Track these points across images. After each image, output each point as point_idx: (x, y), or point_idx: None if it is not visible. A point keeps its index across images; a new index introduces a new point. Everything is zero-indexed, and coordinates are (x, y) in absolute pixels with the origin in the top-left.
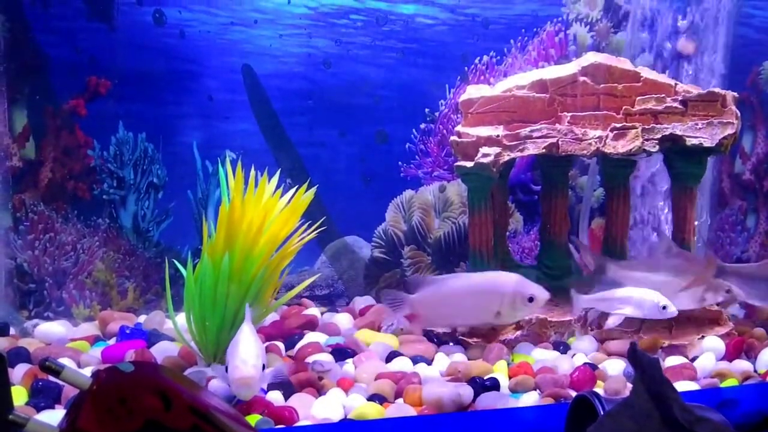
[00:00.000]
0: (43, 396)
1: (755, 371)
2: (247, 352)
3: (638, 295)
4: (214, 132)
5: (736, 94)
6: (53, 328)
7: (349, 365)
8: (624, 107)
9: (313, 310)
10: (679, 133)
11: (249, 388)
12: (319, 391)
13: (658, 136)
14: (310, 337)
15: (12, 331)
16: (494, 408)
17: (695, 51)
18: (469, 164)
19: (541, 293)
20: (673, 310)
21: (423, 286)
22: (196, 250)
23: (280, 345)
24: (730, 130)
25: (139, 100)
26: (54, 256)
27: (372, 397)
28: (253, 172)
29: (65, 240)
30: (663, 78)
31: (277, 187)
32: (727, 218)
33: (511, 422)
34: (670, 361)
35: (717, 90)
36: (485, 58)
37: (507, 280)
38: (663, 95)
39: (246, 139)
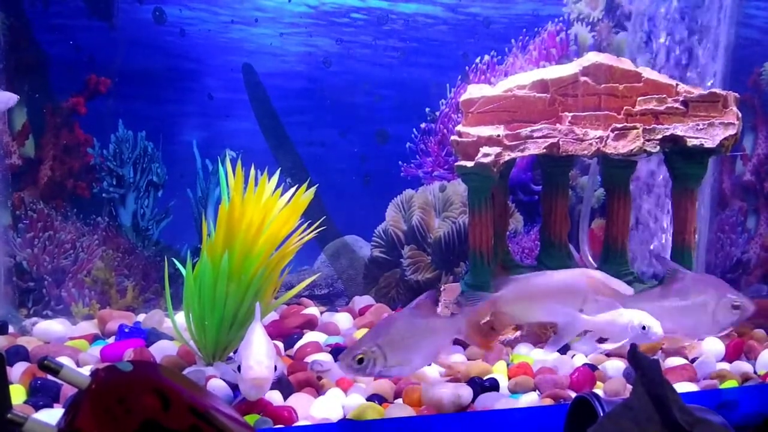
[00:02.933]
0: (41, 395)
1: (755, 373)
2: (262, 353)
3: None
4: (214, 131)
5: (737, 94)
6: (52, 327)
7: None
8: (625, 107)
9: (313, 310)
10: (680, 133)
11: (261, 389)
12: (318, 390)
13: (659, 136)
14: (310, 336)
15: (11, 329)
16: (493, 408)
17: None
18: (470, 164)
19: (625, 289)
20: (656, 332)
21: (506, 285)
22: (195, 249)
23: (280, 344)
24: (731, 131)
25: (139, 98)
26: (53, 254)
27: (371, 397)
28: (253, 171)
29: (64, 238)
30: (664, 78)
31: (277, 186)
32: (728, 219)
33: (511, 423)
34: (670, 362)
35: (718, 91)
36: (486, 57)
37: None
38: (664, 96)
39: (246, 138)
